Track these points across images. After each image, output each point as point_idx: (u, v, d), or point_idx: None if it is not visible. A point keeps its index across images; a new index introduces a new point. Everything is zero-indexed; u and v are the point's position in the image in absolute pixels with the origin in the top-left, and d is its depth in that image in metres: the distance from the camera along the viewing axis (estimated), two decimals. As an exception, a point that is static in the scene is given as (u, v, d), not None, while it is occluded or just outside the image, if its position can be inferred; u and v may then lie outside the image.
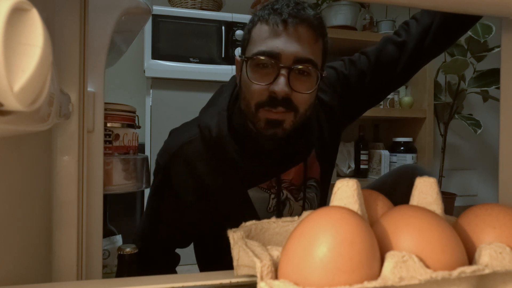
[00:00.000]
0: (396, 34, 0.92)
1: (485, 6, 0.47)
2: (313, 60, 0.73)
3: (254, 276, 0.29)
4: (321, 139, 0.91)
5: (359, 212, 0.33)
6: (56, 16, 0.56)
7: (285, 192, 0.86)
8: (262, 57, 0.71)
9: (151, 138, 1.76)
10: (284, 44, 0.71)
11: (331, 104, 0.92)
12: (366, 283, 0.25)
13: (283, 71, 0.71)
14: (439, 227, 0.30)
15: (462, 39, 2.09)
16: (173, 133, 0.91)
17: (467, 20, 0.83)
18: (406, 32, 0.90)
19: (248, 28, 0.78)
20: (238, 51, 1.78)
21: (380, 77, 0.92)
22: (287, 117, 0.74)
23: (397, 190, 0.90)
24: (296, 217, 0.43)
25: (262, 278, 0.27)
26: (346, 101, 0.93)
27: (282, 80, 0.71)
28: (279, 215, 0.86)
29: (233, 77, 0.89)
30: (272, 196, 0.85)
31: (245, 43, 0.78)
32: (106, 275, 0.94)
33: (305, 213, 0.42)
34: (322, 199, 0.94)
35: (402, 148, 2.02)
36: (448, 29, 0.85)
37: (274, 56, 0.71)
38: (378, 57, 0.91)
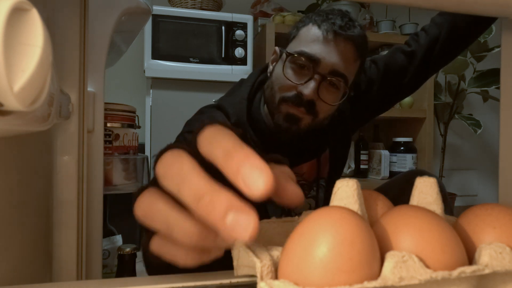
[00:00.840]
0: (406, 44, 0.94)
1: (485, 6, 0.47)
2: (347, 76, 0.76)
3: (254, 276, 0.29)
4: (333, 141, 0.93)
5: (359, 212, 0.33)
6: (56, 16, 0.56)
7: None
8: (302, 58, 0.74)
9: (151, 138, 1.76)
10: (326, 53, 0.74)
11: (342, 109, 0.94)
12: (366, 283, 0.25)
13: (317, 77, 0.74)
14: (439, 227, 0.30)
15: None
16: (195, 116, 0.90)
17: (473, 31, 0.85)
18: (416, 42, 0.92)
19: (298, 26, 0.81)
20: (238, 51, 1.78)
21: (388, 85, 0.94)
22: (305, 117, 0.77)
23: (404, 195, 0.91)
24: (296, 217, 0.43)
25: (262, 278, 0.27)
26: (356, 107, 0.95)
27: (312, 85, 0.74)
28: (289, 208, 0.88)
29: (253, 73, 0.92)
30: None
31: (290, 38, 0.81)
32: (106, 275, 0.94)
33: (305, 213, 0.42)
34: (326, 201, 0.95)
35: (402, 148, 2.02)
36: (455, 39, 0.87)
37: (313, 60, 0.74)
38: (387, 65, 0.93)
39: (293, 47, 0.78)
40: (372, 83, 0.94)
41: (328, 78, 0.75)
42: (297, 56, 0.75)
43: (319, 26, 0.75)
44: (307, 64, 0.74)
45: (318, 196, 0.92)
